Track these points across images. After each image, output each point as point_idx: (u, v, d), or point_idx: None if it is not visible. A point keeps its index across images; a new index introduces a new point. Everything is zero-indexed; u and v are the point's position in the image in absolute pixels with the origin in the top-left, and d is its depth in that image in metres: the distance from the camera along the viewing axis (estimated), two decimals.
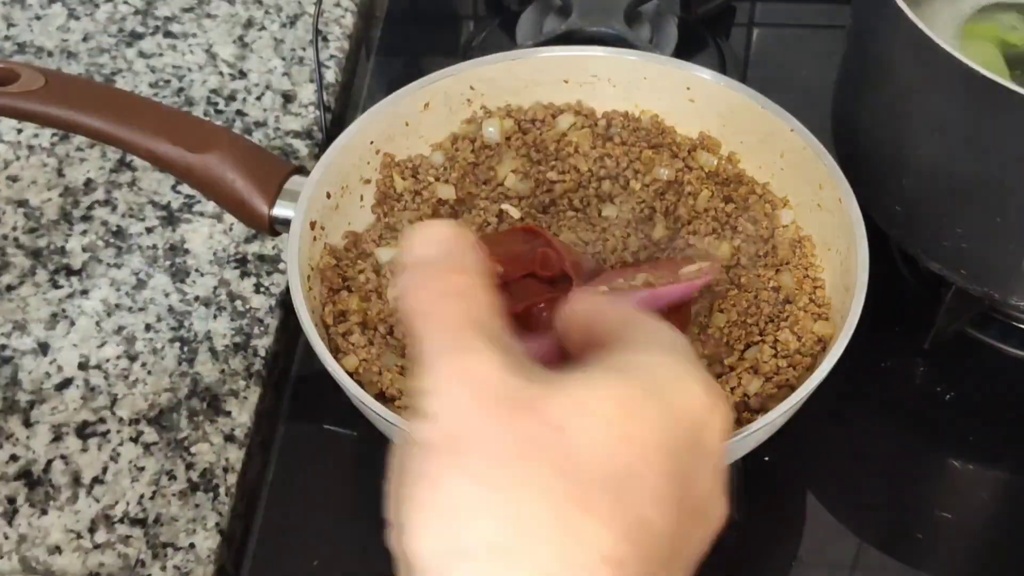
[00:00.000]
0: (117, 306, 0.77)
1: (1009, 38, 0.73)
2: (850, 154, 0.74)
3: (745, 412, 0.65)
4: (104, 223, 0.81)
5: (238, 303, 0.77)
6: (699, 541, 0.40)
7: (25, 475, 0.69)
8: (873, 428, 0.76)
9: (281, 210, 0.69)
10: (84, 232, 0.81)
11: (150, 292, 0.77)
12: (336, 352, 0.67)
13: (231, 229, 0.81)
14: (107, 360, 0.74)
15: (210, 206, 0.81)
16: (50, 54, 0.91)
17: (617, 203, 0.75)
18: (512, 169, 0.76)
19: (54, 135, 0.86)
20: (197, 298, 0.77)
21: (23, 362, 0.74)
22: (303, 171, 0.70)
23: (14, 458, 0.69)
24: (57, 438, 0.70)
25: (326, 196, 0.71)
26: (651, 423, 0.37)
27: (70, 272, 0.78)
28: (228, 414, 0.72)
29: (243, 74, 0.91)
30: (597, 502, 0.35)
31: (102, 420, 0.71)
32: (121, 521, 0.67)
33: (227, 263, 0.79)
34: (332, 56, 0.93)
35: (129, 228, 0.81)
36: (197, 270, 0.79)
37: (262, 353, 0.75)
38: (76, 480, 0.69)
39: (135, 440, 0.70)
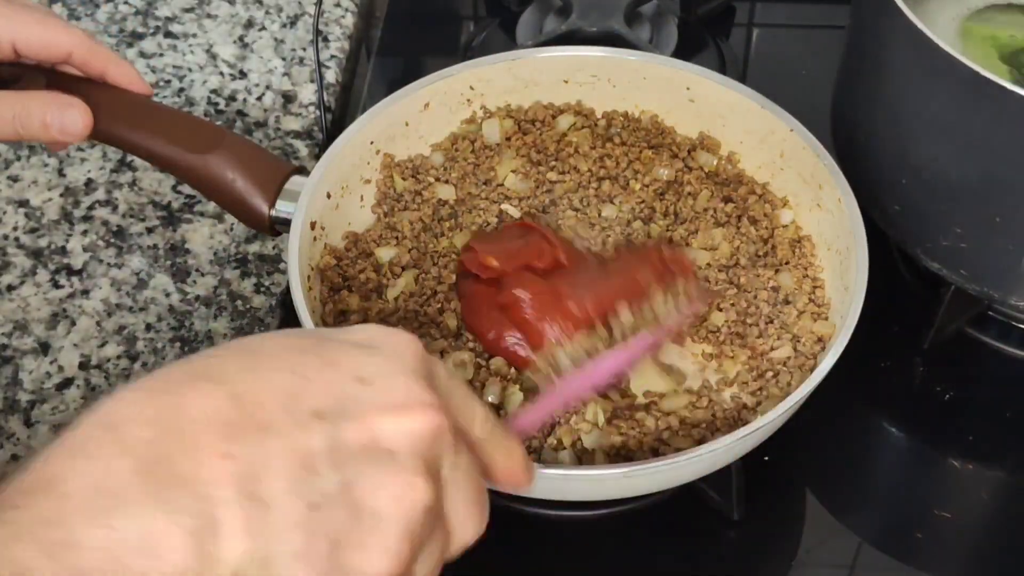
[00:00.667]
0: (118, 306, 0.77)
1: (1008, 39, 0.73)
2: (849, 154, 0.75)
3: (744, 411, 0.66)
4: (105, 223, 0.81)
5: (239, 303, 0.77)
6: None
7: None
8: (872, 428, 0.76)
9: (281, 210, 0.69)
10: (85, 232, 0.81)
11: (151, 292, 0.77)
12: None
13: (231, 229, 0.81)
14: (108, 360, 0.74)
15: (211, 206, 0.81)
16: None
17: (617, 203, 0.75)
18: (512, 169, 0.77)
19: None
20: (198, 298, 0.77)
21: (24, 362, 0.74)
22: (303, 171, 0.70)
23: (15, 458, 0.69)
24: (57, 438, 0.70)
25: (326, 196, 0.71)
26: None
27: (71, 272, 0.78)
28: None
29: (243, 74, 0.91)
30: None
31: None
32: None
33: (228, 263, 0.79)
34: (332, 56, 0.93)
35: (130, 228, 0.81)
36: (198, 270, 0.79)
37: None
38: None
39: None
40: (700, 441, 0.64)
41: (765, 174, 0.76)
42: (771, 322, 0.69)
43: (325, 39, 0.94)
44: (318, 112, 0.88)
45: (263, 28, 0.95)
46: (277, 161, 0.71)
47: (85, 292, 0.77)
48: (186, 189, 0.82)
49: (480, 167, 0.77)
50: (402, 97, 0.76)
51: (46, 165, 0.84)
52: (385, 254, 0.72)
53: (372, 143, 0.75)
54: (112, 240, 0.80)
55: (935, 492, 0.74)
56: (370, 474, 0.39)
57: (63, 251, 0.80)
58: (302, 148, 0.86)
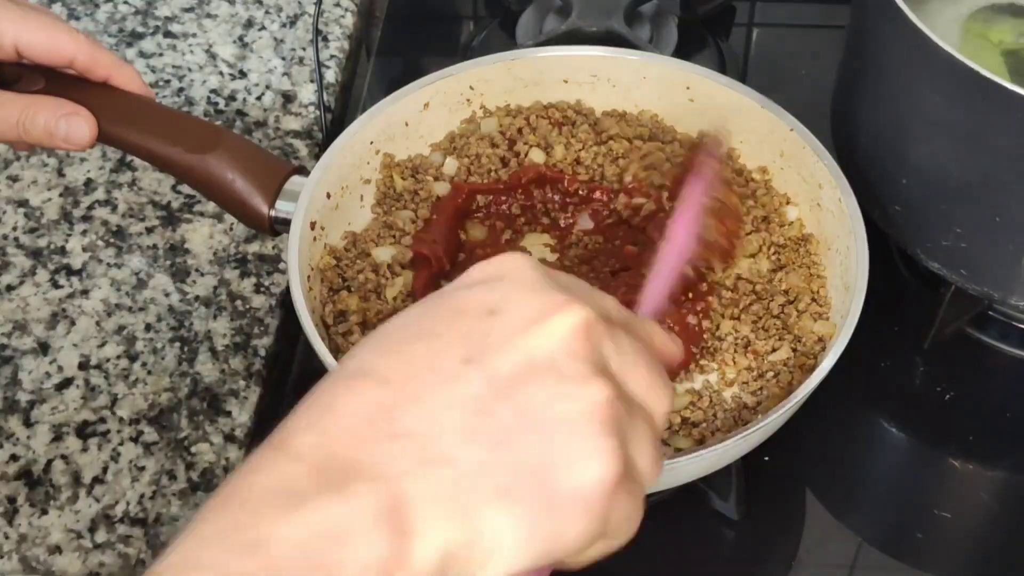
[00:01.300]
0: (117, 306, 0.77)
1: (1008, 38, 0.73)
2: (849, 154, 0.74)
3: (745, 411, 0.66)
4: (104, 223, 0.81)
5: (238, 303, 0.77)
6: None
7: (25, 475, 0.69)
8: (873, 428, 0.76)
9: (281, 210, 0.69)
10: (84, 232, 0.81)
11: (150, 292, 0.77)
12: (336, 352, 0.67)
13: (231, 229, 0.81)
14: (107, 360, 0.74)
15: (210, 206, 0.81)
16: None
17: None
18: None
19: None
20: (197, 298, 0.77)
21: (23, 362, 0.74)
22: (303, 171, 0.70)
23: (14, 458, 0.69)
24: (57, 438, 0.70)
25: (326, 196, 0.71)
26: None
27: (70, 272, 0.78)
28: (228, 414, 0.72)
29: (243, 74, 0.91)
30: None
31: (102, 420, 0.71)
32: (121, 521, 0.67)
33: (227, 263, 0.79)
34: (332, 56, 0.93)
35: (129, 228, 0.81)
36: (197, 270, 0.79)
37: (262, 353, 0.75)
38: (76, 480, 0.69)
39: (135, 440, 0.70)
40: (700, 441, 0.64)
41: (765, 174, 0.76)
42: (776, 317, 0.69)
43: (325, 39, 0.94)
44: (318, 112, 0.88)
45: (263, 28, 0.95)
46: (277, 161, 0.71)
47: (85, 292, 0.77)
48: (186, 189, 0.82)
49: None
50: (402, 97, 0.76)
51: (45, 165, 0.84)
52: (383, 254, 0.72)
53: (372, 143, 0.75)
54: (112, 240, 0.80)
55: (935, 492, 0.74)
56: (540, 391, 0.39)
57: (63, 251, 0.79)
58: (302, 148, 0.86)
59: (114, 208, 0.82)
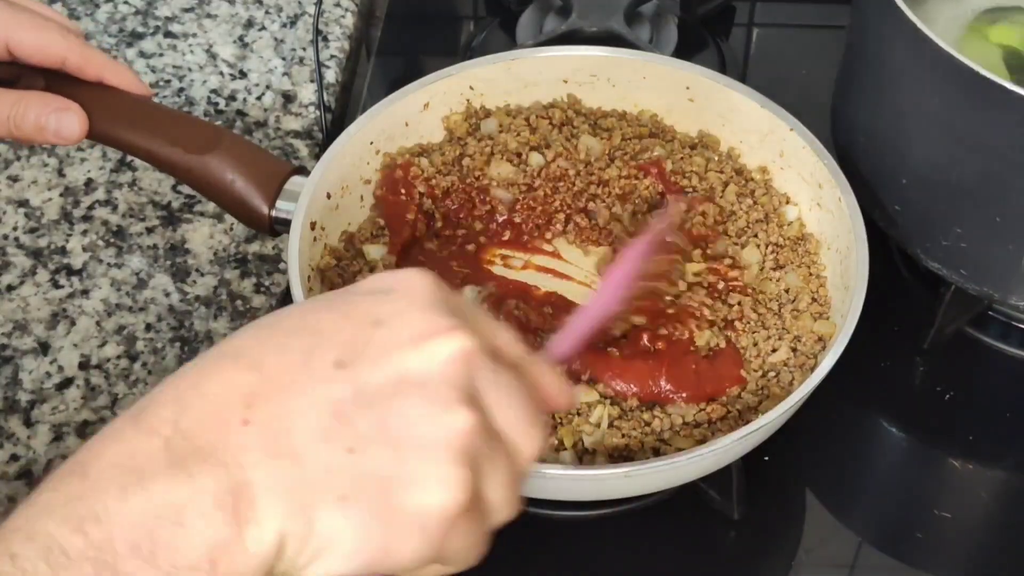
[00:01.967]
0: (118, 306, 0.77)
1: (1008, 39, 0.73)
2: (850, 154, 0.75)
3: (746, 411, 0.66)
4: (104, 223, 0.81)
5: (238, 303, 0.77)
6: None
7: (26, 475, 0.69)
8: (872, 428, 0.76)
9: (281, 210, 0.69)
10: (84, 232, 0.81)
11: (151, 292, 0.77)
12: None
13: (231, 229, 0.81)
14: (108, 360, 0.74)
15: (210, 206, 0.81)
16: None
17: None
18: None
19: None
20: (198, 298, 0.77)
21: (24, 362, 0.74)
22: (303, 171, 0.70)
23: (15, 458, 0.69)
24: (58, 438, 0.70)
25: (326, 196, 0.71)
26: None
27: (71, 272, 0.78)
28: None
29: (243, 74, 0.91)
30: None
31: (103, 420, 0.71)
32: None
33: (227, 263, 0.79)
34: (332, 56, 0.93)
35: (129, 228, 0.81)
36: (197, 270, 0.79)
37: None
38: None
39: None
40: (701, 441, 0.64)
41: (765, 173, 0.76)
42: (776, 315, 0.69)
43: (325, 39, 0.94)
44: (318, 112, 0.88)
45: (263, 28, 0.95)
46: (277, 161, 0.71)
47: (85, 292, 0.77)
48: (186, 189, 0.82)
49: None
50: (402, 97, 0.76)
51: (46, 165, 0.84)
52: (375, 251, 0.72)
53: (372, 143, 0.75)
54: (112, 240, 0.80)
55: (935, 492, 0.74)
56: (403, 408, 0.39)
57: (63, 251, 0.79)
58: (302, 148, 0.86)
59: (114, 208, 0.82)
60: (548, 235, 0.74)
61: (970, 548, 0.72)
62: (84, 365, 0.74)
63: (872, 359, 0.76)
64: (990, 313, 0.78)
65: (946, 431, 0.75)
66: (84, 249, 0.80)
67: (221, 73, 0.91)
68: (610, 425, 0.64)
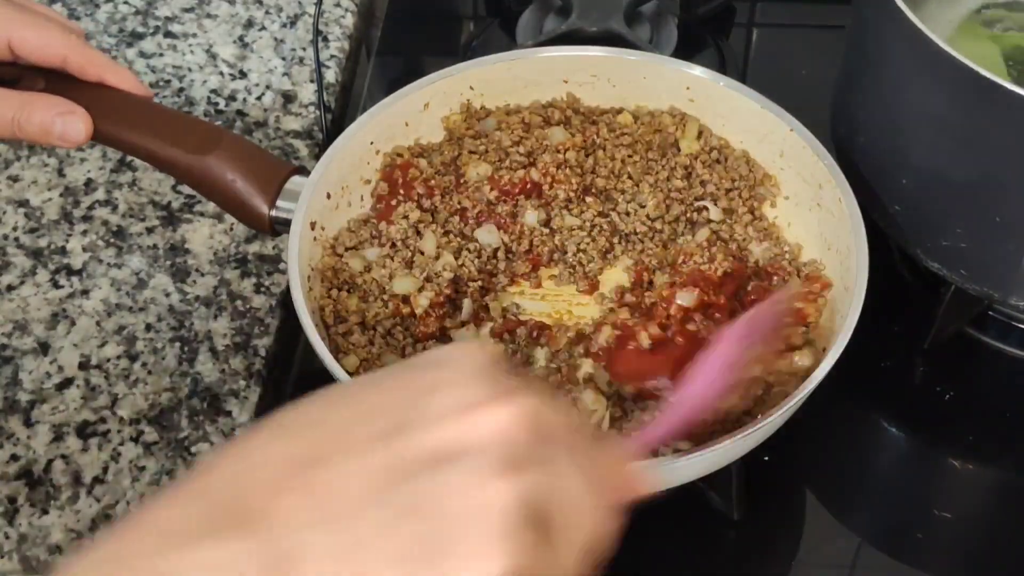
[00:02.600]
0: (117, 306, 0.77)
1: (1008, 38, 0.73)
2: (849, 154, 0.74)
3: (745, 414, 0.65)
4: (104, 223, 0.81)
5: (238, 303, 0.77)
6: None
7: (26, 475, 0.69)
8: (873, 428, 0.76)
9: (281, 210, 0.69)
10: (84, 232, 0.81)
11: (150, 292, 0.77)
12: (336, 352, 0.67)
13: (231, 229, 0.81)
14: (107, 360, 0.74)
15: (210, 206, 0.81)
16: None
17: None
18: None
19: None
20: (197, 298, 0.77)
21: (24, 362, 0.74)
22: (303, 171, 0.70)
23: (15, 458, 0.69)
24: (58, 438, 0.70)
25: (326, 196, 0.71)
26: None
27: (70, 272, 0.78)
28: (228, 414, 0.72)
29: (243, 74, 0.91)
30: None
31: (103, 420, 0.71)
32: None
33: (227, 263, 0.79)
34: (332, 56, 0.93)
35: (129, 228, 0.81)
36: (197, 270, 0.79)
37: (262, 353, 0.75)
38: (77, 480, 0.69)
39: (136, 440, 0.70)
40: (700, 441, 0.63)
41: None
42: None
43: (325, 39, 0.94)
44: (318, 112, 0.88)
45: (263, 28, 0.95)
46: (277, 161, 0.71)
47: (85, 292, 0.77)
48: (186, 189, 0.82)
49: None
50: (402, 97, 0.76)
51: (46, 165, 0.84)
52: (372, 254, 0.72)
53: (372, 143, 0.75)
54: (112, 240, 0.80)
55: (935, 492, 0.74)
56: (441, 480, 0.38)
57: (63, 251, 0.79)
58: (302, 148, 0.86)
59: (114, 208, 0.82)
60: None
61: (970, 548, 0.72)
62: (84, 365, 0.74)
63: (872, 359, 0.76)
64: (990, 313, 0.78)
65: (946, 431, 0.75)
66: (84, 249, 0.80)
67: (221, 73, 0.91)
68: (611, 425, 0.64)
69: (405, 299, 0.69)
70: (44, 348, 0.74)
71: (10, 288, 0.77)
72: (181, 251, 0.80)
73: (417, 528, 0.38)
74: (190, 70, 0.91)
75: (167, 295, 0.77)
